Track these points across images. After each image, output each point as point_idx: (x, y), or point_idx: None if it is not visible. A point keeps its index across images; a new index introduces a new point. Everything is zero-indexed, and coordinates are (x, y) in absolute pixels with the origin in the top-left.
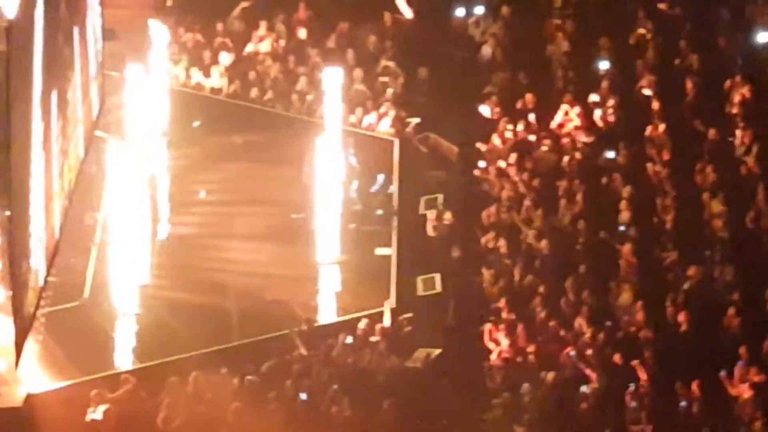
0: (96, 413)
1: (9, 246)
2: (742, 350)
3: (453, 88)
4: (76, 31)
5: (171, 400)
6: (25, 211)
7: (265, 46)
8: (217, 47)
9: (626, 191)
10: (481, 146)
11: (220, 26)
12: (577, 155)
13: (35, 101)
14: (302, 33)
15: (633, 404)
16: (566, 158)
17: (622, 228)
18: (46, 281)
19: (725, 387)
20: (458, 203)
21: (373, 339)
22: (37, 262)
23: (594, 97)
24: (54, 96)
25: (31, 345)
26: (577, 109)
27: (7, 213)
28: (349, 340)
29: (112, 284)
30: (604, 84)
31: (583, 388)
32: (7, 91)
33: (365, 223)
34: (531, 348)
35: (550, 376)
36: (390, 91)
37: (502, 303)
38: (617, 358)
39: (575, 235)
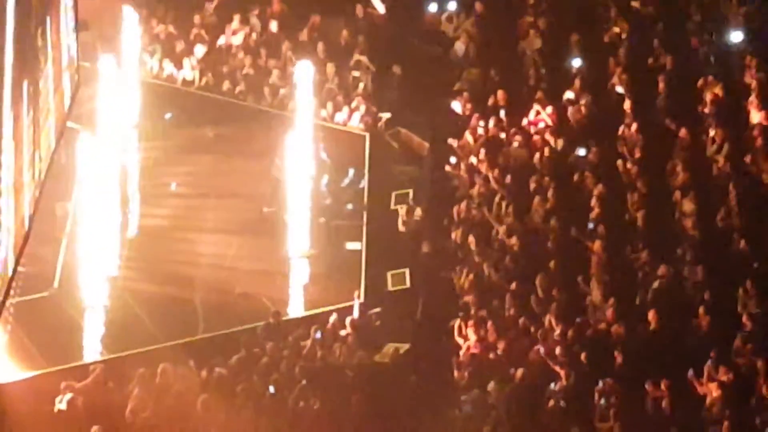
0: (63, 403)
1: None
2: (711, 350)
3: (425, 83)
4: (48, 20)
5: (139, 391)
6: None
7: (238, 39)
8: (190, 39)
9: (597, 189)
10: (453, 142)
11: (193, 18)
12: (548, 152)
13: (6, 90)
14: (275, 26)
15: (601, 402)
16: (537, 155)
17: (592, 226)
18: (15, 271)
19: (694, 386)
20: (429, 199)
21: (342, 333)
22: (6, 251)
23: (566, 95)
24: (25, 85)
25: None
26: (548, 107)
27: None
28: (318, 334)
29: (81, 275)
30: (577, 82)
31: (552, 386)
32: None
33: (335, 218)
34: (500, 344)
35: (519, 372)
36: (361, 85)
37: (471, 299)
38: (586, 355)
39: (546, 232)
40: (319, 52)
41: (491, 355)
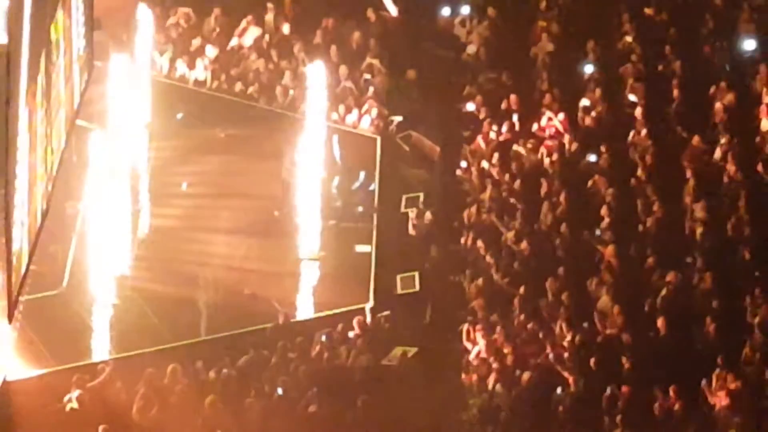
0: (71, 402)
1: (6, 227)
2: (720, 357)
3: (437, 87)
4: (60, 14)
5: (146, 391)
6: (13, 194)
7: (250, 41)
8: (202, 40)
9: (608, 195)
10: (464, 146)
11: (206, 19)
12: (560, 158)
13: (22, 83)
14: (288, 28)
15: (610, 408)
16: (548, 160)
17: (602, 232)
18: (28, 267)
19: (704, 393)
20: (439, 202)
21: (350, 336)
22: (21, 244)
23: (578, 101)
24: (39, 79)
25: (9, 332)
26: (560, 112)
27: None
28: (324, 337)
29: (91, 274)
30: (589, 87)
31: (560, 391)
32: (8, 82)
33: (345, 220)
34: (508, 349)
35: (527, 377)
36: (373, 88)
37: (480, 303)
38: (595, 361)
39: (556, 238)
40: (332, 55)
41: (499, 360)
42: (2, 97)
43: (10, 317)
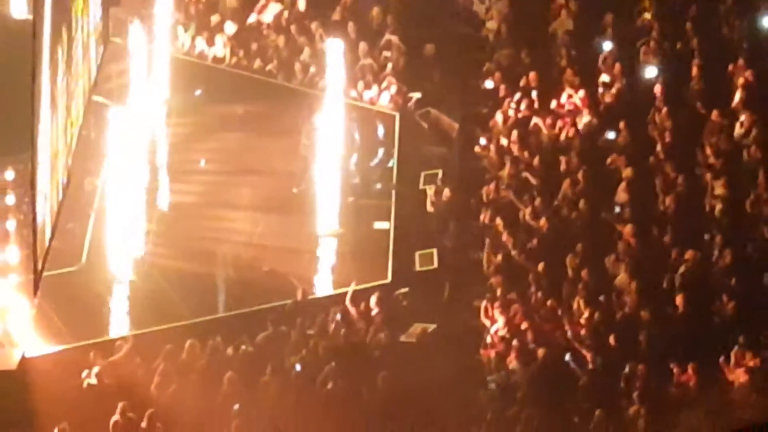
0: (90, 378)
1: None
2: (739, 335)
3: (456, 63)
4: None
5: (165, 367)
6: (36, 168)
7: (269, 17)
8: (221, 16)
9: (627, 172)
10: (483, 123)
11: None
12: (578, 135)
13: (44, 56)
14: (305, 4)
15: (628, 385)
16: (567, 137)
17: (621, 209)
18: (51, 241)
19: (722, 370)
20: (458, 179)
21: (369, 313)
22: (44, 217)
23: (597, 77)
24: (60, 52)
25: (27, 308)
26: (579, 89)
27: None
28: (339, 315)
29: (109, 251)
30: (608, 64)
31: (578, 368)
32: (33, 55)
33: (364, 197)
34: (526, 326)
35: (545, 354)
36: (392, 65)
37: (498, 280)
38: (613, 338)
39: (574, 214)
40: (350, 31)
41: (517, 337)
42: (26, 69)
43: (35, 290)
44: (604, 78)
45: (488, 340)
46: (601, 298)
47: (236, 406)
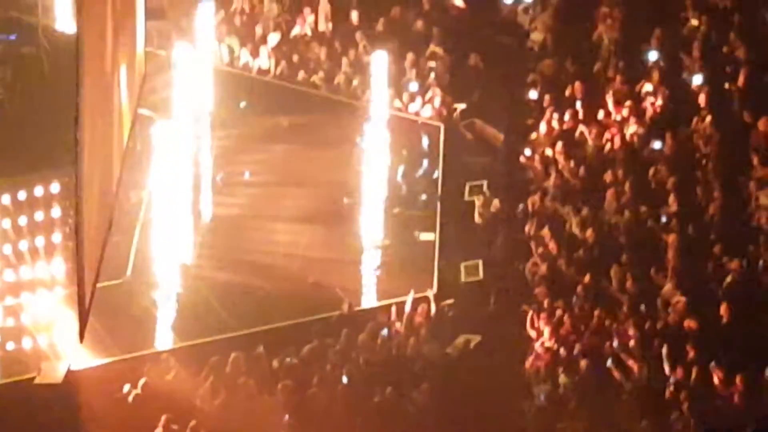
0: (135, 390)
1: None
2: None
3: (500, 74)
4: None
5: (211, 379)
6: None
7: (313, 29)
8: (265, 28)
9: (672, 182)
10: (527, 134)
11: (269, 6)
12: (624, 145)
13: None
14: (352, 16)
15: (674, 396)
16: (612, 147)
17: (666, 219)
18: (103, 252)
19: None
20: (502, 190)
21: (414, 324)
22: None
23: (642, 87)
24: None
25: (73, 321)
26: (624, 99)
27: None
28: (385, 331)
29: (154, 263)
30: (652, 74)
31: (624, 379)
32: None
33: (409, 208)
34: (573, 337)
35: (592, 365)
36: (435, 76)
37: (544, 291)
38: (659, 349)
39: (620, 225)
40: (394, 43)
41: (563, 348)
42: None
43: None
44: (649, 87)
45: (534, 351)
46: (647, 308)
47: (286, 417)
